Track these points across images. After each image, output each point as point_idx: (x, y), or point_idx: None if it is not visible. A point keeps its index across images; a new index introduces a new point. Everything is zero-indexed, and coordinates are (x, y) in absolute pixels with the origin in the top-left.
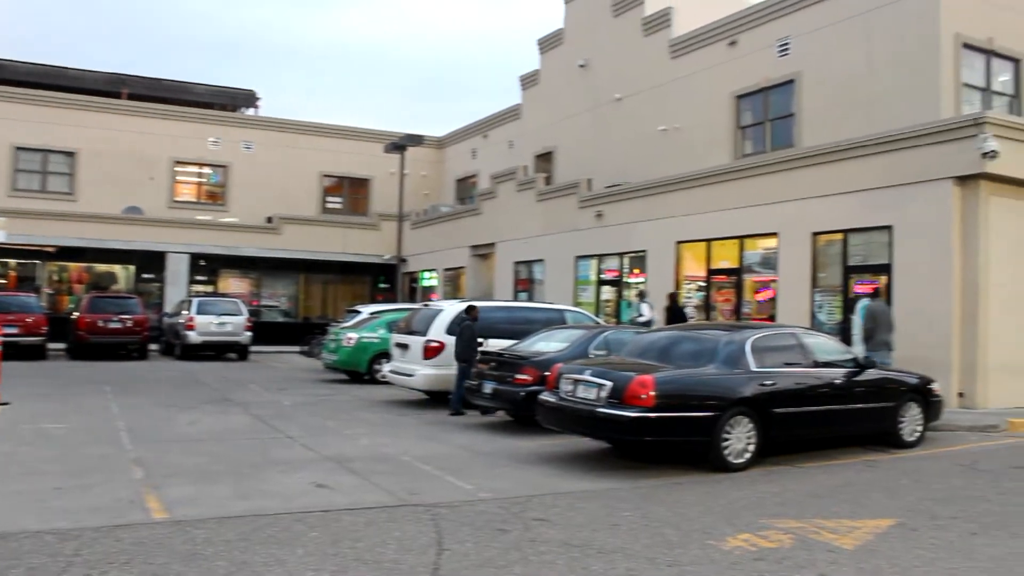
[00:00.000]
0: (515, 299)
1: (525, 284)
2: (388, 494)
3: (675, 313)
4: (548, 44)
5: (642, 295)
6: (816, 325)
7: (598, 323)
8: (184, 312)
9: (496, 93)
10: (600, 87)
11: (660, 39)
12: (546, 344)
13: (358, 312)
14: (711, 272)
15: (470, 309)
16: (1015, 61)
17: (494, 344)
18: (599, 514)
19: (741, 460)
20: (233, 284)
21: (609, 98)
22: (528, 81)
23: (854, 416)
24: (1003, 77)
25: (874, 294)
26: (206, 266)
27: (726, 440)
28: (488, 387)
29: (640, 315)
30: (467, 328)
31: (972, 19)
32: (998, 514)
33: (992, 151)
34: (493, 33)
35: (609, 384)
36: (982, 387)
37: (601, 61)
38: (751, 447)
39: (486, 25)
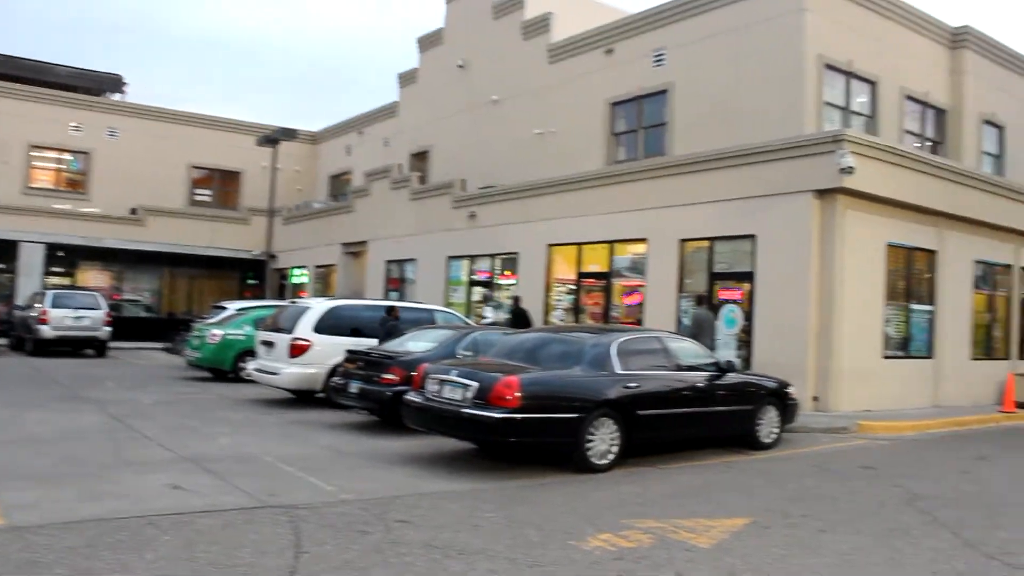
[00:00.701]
0: (386, 298)
1: (396, 283)
2: (247, 495)
3: (519, 316)
4: (428, 43)
5: (487, 298)
6: (682, 330)
7: (467, 324)
8: (37, 305)
9: (378, 90)
10: (478, 88)
11: (539, 43)
12: (414, 344)
13: (224, 308)
14: (581, 275)
15: (391, 309)
16: (872, 83)
17: (362, 343)
18: (462, 515)
19: (605, 461)
20: (93, 277)
21: (487, 99)
22: (406, 79)
23: (715, 418)
24: (861, 98)
25: (698, 301)
26: (64, 258)
27: (590, 441)
28: (355, 386)
29: (484, 317)
30: (393, 327)
31: (834, 42)
32: (845, 512)
33: (849, 167)
34: (377, 29)
35: (475, 385)
36: (835, 391)
37: (480, 62)
38: (615, 448)
39: (370, 21)
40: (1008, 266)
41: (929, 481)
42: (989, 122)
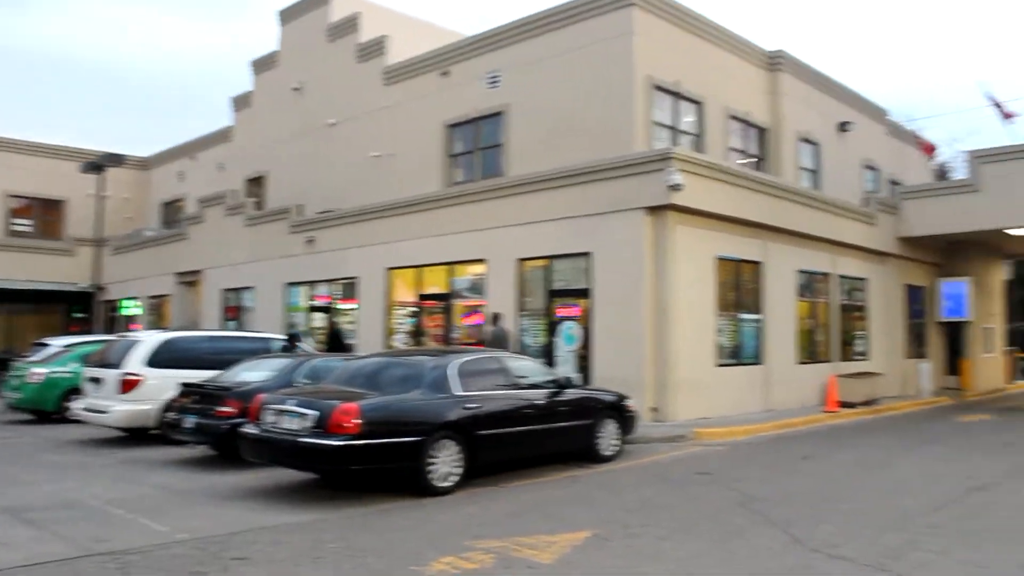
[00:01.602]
0: (224, 328)
1: (234, 312)
2: (71, 544)
3: (335, 340)
4: (263, 66)
5: (293, 331)
6: (522, 348)
7: (307, 351)
8: None
9: (217, 113)
10: (314, 111)
11: (375, 66)
12: (250, 374)
13: (47, 345)
14: (422, 297)
15: (292, 338)
16: (698, 103)
17: (198, 376)
18: (303, 547)
19: (447, 483)
20: None
21: (323, 123)
22: (241, 103)
23: (556, 434)
24: (688, 117)
25: (493, 319)
26: None
27: (432, 464)
28: (190, 421)
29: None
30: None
31: (662, 64)
32: (683, 519)
33: (677, 184)
34: (214, 51)
35: (314, 413)
36: (672, 401)
37: (316, 85)
38: (457, 470)
39: (205, 42)
40: (827, 274)
41: (761, 483)
42: (805, 139)
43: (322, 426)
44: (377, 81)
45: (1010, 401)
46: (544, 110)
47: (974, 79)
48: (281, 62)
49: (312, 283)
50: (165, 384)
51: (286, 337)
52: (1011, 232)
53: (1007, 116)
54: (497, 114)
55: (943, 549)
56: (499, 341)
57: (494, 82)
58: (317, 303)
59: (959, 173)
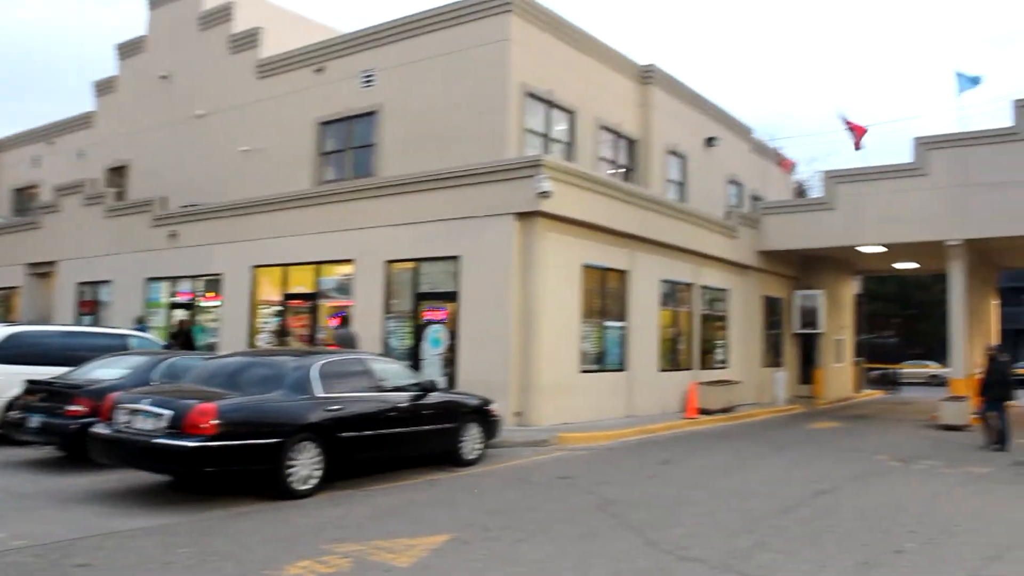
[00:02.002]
0: (79, 323)
1: (90, 307)
2: None
3: (185, 338)
4: (129, 50)
5: (140, 320)
6: (388, 350)
7: (165, 348)
8: None
9: (73, 98)
10: (182, 101)
11: (247, 59)
12: (104, 372)
13: None
14: (287, 296)
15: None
16: (571, 113)
17: (47, 373)
18: (153, 553)
19: (307, 486)
20: None
21: (191, 114)
22: (104, 88)
23: (419, 438)
24: (560, 126)
25: (342, 324)
26: None
27: (291, 467)
28: (35, 420)
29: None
30: None
31: (536, 72)
32: (543, 521)
33: (546, 191)
34: (77, 30)
35: (169, 413)
36: (536, 406)
37: (185, 74)
38: (317, 473)
39: (71, 22)
40: (690, 284)
41: (620, 487)
42: (673, 152)
43: (177, 426)
44: (249, 74)
45: (857, 409)
46: (418, 112)
47: (832, 104)
48: (148, 48)
49: (174, 279)
50: (9, 381)
51: (137, 326)
52: (861, 249)
53: (858, 140)
54: (370, 113)
55: (789, 549)
56: (346, 343)
57: (368, 81)
58: (179, 300)
59: (816, 192)
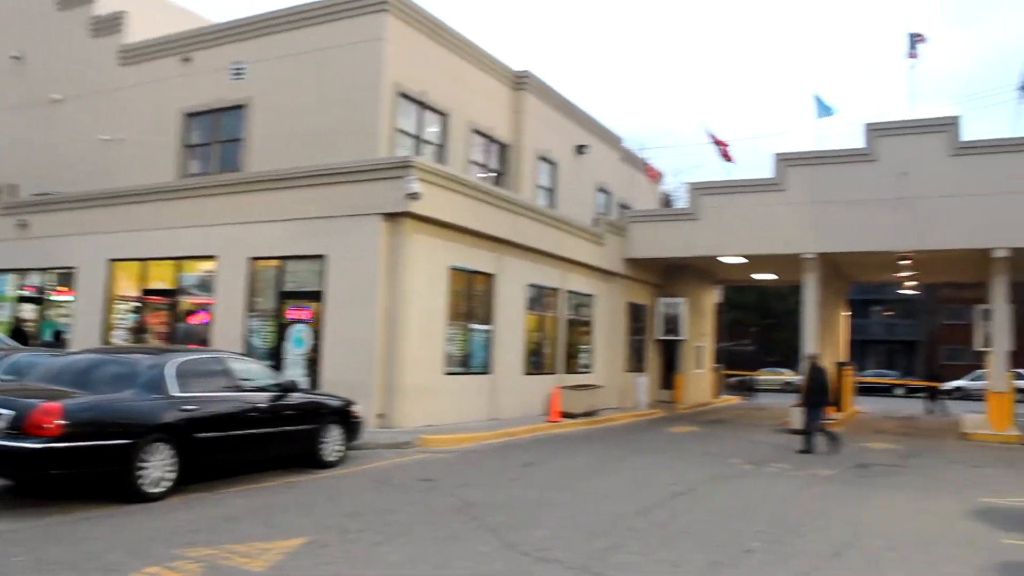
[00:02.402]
0: None
1: None
2: None
3: (18, 334)
4: None
5: None
6: (250, 349)
7: (7, 345)
8: None
9: None
10: (37, 84)
11: (110, 43)
12: None
13: None
14: (146, 292)
15: None
16: (444, 115)
17: None
18: None
19: (160, 489)
20: None
21: (47, 98)
22: None
23: (279, 439)
24: (433, 128)
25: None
26: None
27: (143, 469)
28: None
29: None
30: None
31: (410, 73)
32: (403, 524)
33: (416, 192)
34: None
35: (9, 413)
36: (400, 408)
37: (40, 55)
38: (171, 475)
39: None
40: (556, 289)
41: (482, 489)
42: (544, 159)
43: (19, 427)
44: (111, 59)
45: (715, 414)
46: (289, 107)
47: (700, 117)
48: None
49: (23, 271)
50: None
51: None
52: (723, 259)
53: (723, 153)
54: (239, 107)
55: (645, 550)
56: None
57: (238, 74)
58: (27, 293)
59: (682, 202)
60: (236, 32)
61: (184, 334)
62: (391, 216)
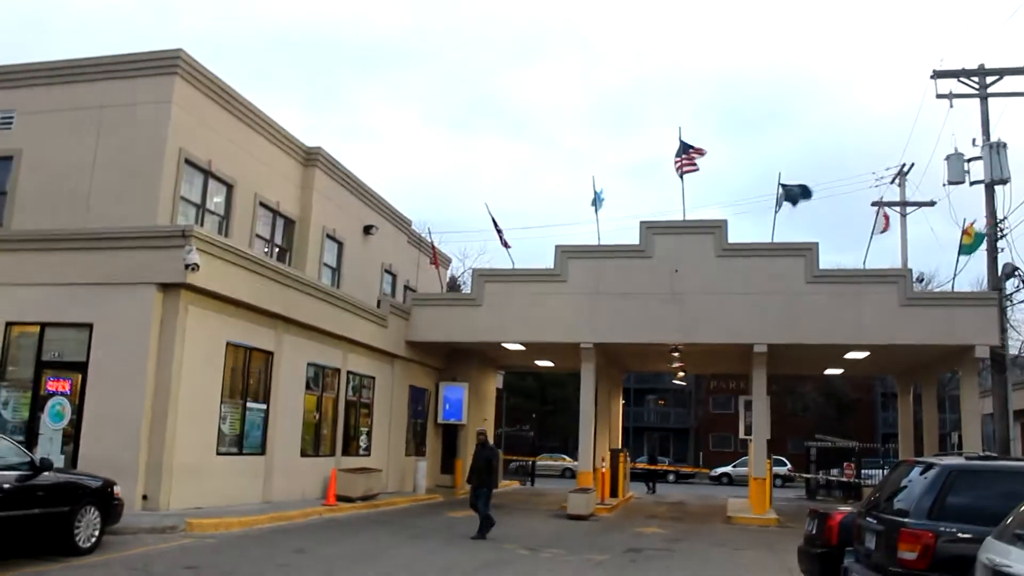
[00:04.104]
0: None
1: None
2: None
3: None
4: None
5: None
6: (0, 423)
7: None
8: None
9: None
10: None
11: None
12: None
13: None
14: None
15: None
16: (230, 185)
17: None
18: None
19: None
20: None
21: None
22: None
23: (25, 523)
24: (218, 198)
25: None
26: None
27: None
28: None
29: None
30: None
31: (197, 140)
32: None
33: (194, 263)
34: None
35: None
36: (167, 489)
37: None
38: None
39: None
40: (337, 369)
41: None
42: (331, 236)
43: None
44: None
45: (495, 499)
46: (62, 164)
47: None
48: None
49: None
50: None
51: None
52: (505, 345)
53: (502, 240)
54: (6, 158)
55: None
56: None
57: (6, 123)
58: None
59: (467, 288)
60: (6, 79)
61: None
62: (167, 287)
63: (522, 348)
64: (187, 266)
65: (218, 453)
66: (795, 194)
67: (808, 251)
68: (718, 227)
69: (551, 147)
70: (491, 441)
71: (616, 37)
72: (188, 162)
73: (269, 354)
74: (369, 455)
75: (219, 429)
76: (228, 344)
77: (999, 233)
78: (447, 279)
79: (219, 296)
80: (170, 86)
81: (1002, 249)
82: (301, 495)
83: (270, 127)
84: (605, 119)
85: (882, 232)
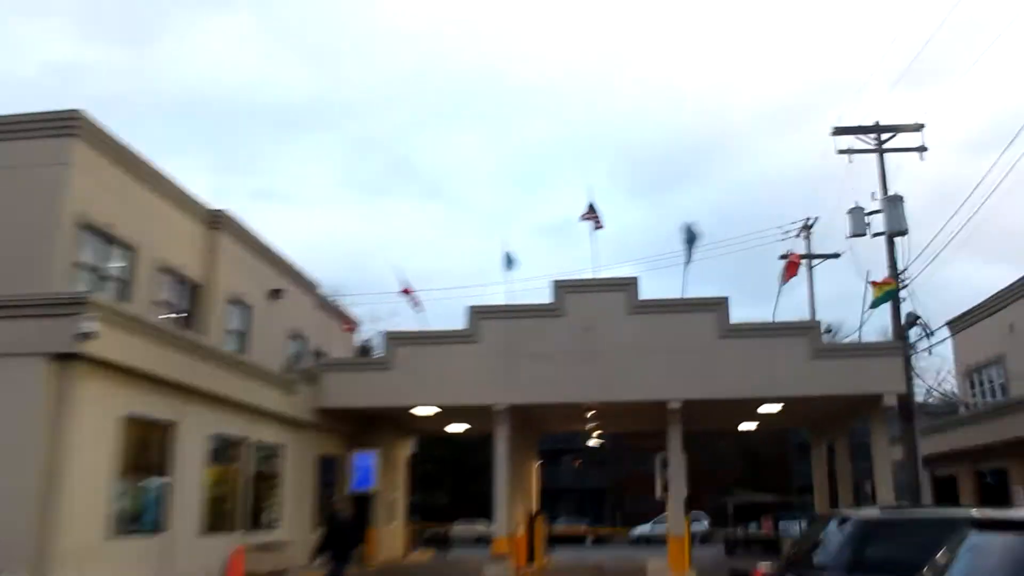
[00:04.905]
0: None
1: None
2: None
3: None
4: None
5: None
6: None
7: None
8: None
9: None
10: None
11: None
12: None
13: None
14: None
15: None
16: (131, 250)
17: None
18: None
19: None
20: None
21: None
22: None
23: None
24: (118, 263)
25: None
26: None
27: None
28: None
29: None
30: None
31: (96, 203)
32: None
33: (91, 332)
34: None
35: None
36: (59, 574)
37: None
38: None
39: None
40: (243, 440)
41: None
42: (237, 301)
43: None
44: None
45: (407, 571)
46: None
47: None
48: None
49: None
50: None
51: None
52: (416, 411)
53: (414, 301)
54: None
55: None
56: None
57: None
58: None
59: (379, 351)
60: None
61: None
62: (59, 357)
63: (434, 411)
64: (81, 335)
65: (112, 535)
66: (693, 234)
67: (718, 306)
68: (629, 284)
69: (466, 208)
70: (349, 511)
71: (530, 100)
72: (88, 226)
73: (170, 425)
74: (277, 528)
75: (114, 508)
76: (127, 417)
77: (901, 283)
78: (357, 343)
79: (117, 366)
80: (69, 148)
81: (904, 299)
82: (204, 574)
83: (175, 190)
84: (520, 180)
85: (787, 281)
